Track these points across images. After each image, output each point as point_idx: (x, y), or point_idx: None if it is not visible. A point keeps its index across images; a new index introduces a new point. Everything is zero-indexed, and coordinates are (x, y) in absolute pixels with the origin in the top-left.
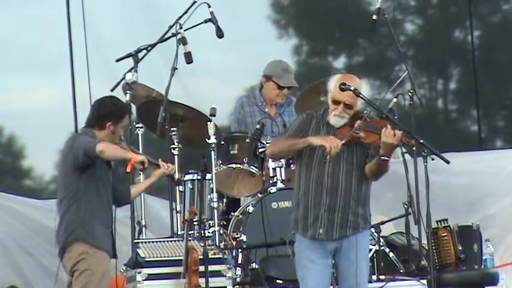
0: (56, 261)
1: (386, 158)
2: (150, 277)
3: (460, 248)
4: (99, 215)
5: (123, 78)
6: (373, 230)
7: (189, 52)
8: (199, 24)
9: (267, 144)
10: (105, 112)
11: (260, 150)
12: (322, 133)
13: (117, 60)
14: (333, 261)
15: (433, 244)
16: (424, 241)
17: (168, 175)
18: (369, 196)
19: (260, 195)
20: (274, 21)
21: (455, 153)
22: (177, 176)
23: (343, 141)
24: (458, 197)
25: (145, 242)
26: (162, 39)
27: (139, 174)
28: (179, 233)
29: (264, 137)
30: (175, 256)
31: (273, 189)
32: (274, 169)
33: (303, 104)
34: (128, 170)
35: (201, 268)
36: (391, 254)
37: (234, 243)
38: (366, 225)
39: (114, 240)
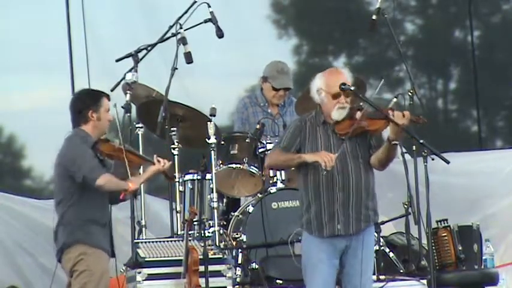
0: (56, 261)
1: (397, 142)
2: (150, 277)
3: (460, 248)
4: (97, 215)
5: (123, 78)
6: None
7: (189, 52)
8: (199, 24)
9: (267, 145)
10: (82, 104)
11: (260, 150)
12: (319, 134)
13: (117, 60)
14: (339, 261)
15: (433, 244)
16: (424, 241)
17: (162, 172)
18: (374, 188)
19: (260, 195)
20: (274, 21)
21: (455, 153)
22: (167, 166)
23: (340, 151)
24: (458, 197)
25: (145, 242)
26: (162, 39)
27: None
28: (179, 233)
29: (264, 137)
30: (175, 256)
31: (273, 189)
32: None
33: (303, 104)
34: (121, 197)
35: (201, 268)
36: (391, 254)
37: (234, 243)
38: (375, 218)
39: (112, 239)
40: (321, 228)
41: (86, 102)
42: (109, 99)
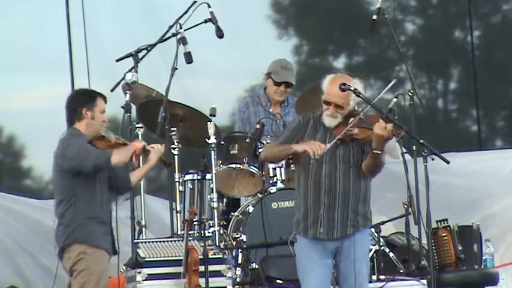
0: (56, 260)
1: (379, 152)
2: (150, 277)
3: (460, 248)
4: (97, 214)
5: (123, 78)
6: (373, 230)
7: (189, 52)
8: (199, 24)
9: (266, 144)
10: (77, 102)
11: (260, 150)
12: (319, 134)
13: (117, 60)
14: (334, 261)
15: (433, 244)
16: (424, 241)
17: (160, 159)
18: (369, 194)
19: (260, 195)
20: (274, 21)
21: (455, 153)
22: (162, 149)
23: (331, 143)
24: (458, 197)
25: (145, 242)
26: (162, 39)
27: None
28: (179, 233)
29: (264, 137)
30: (175, 256)
31: (273, 189)
32: (274, 169)
33: (303, 104)
34: (134, 161)
35: (201, 268)
36: (391, 254)
37: (234, 243)
38: (365, 223)
39: (113, 237)
40: (305, 230)
41: (80, 100)
42: (105, 101)
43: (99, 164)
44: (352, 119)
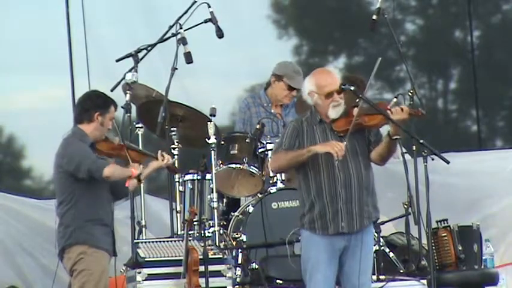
0: (56, 261)
1: (398, 136)
2: (150, 277)
3: (460, 248)
4: (98, 215)
5: (123, 78)
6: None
7: (189, 52)
8: (199, 24)
9: (267, 145)
10: (91, 104)
11: (260, 150)
12: (317, 133)
13: (117, 60)
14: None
15: (433, 244)
16: (424, 241)
17: (164, 167)
18: (374, 184)
19: (260, 195)
20: (274, 21)
21: (455, 153)
22: (171, 162)
23: (345, 142)
24: (458, 197)
25: (145, 242)
26: (162, 39)
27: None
28: (179, 233)
29: (264, 137)
30: (175, 256)
31: (273, 189)
32: None
33: (303, 104)
34: (127, 185)
35: (201, 268)
36: (391, 254)
37: (234, 243)
38: (376, 214)
39: (114, 238)
40: (325, 226)
41: (95, 103)
42: (116, 109)
43: (92, 172)
44: (355, 109)
